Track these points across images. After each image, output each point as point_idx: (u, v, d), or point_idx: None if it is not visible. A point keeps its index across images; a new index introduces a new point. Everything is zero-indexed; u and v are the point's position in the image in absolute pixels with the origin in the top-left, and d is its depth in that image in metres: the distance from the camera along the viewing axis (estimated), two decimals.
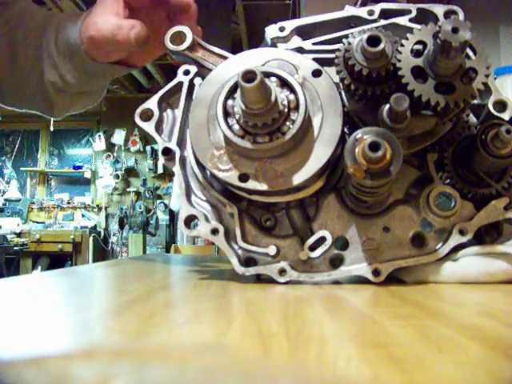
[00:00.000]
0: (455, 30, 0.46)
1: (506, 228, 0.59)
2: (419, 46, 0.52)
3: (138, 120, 0.62)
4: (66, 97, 0.85)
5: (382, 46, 0.51)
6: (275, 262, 0.56)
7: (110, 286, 0.66)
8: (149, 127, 0.62)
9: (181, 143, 0.61)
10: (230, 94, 0.53)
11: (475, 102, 0.59)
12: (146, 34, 0.70)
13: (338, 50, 0.55)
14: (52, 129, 5.94)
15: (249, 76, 0.46)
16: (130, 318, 0.36)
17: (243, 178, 0.54)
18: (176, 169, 0.60)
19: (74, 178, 6.48)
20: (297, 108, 0.52)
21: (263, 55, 0.58)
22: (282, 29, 0.62)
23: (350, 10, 0.62)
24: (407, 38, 0.52)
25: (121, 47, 0.72)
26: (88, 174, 6.34)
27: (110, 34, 0.71)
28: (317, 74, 0.56)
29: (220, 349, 0.27)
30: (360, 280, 0.56)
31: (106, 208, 6.23)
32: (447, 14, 0.58)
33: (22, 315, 0.37)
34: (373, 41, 0.51)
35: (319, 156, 0.53)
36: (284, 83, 0.53)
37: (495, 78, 1.38)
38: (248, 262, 0.57)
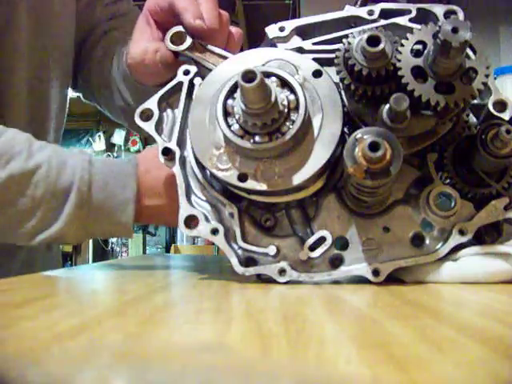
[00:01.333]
0: (455, 30, 0.46)
1: (506, 228, 0.58)
2: (419, 46, 0.52)
3: (137, 120, 0.62)
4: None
5: (381, 45, 0.51)
6: (275, 262, 0.56)
7: (109, 285, 0.66)
8: (149, 127, 0.62)
9: (181, 143, 0.61)
10: (230, 93, 0.53)
11: (475, 102, 0.59)
12: (170, 55, 0.70)
13: (338, 50, 0.55)
14: None
15: (249, 76, 0.46)
16: (130, 318, 0.36)
17: (242, 177, 0.54)
18: (176, 169, 0.60)
19: None
20: (297, 108, 0.52)
21: (263, 55, 0.58)
22: (282, 29, 0.62)
23: (350, 10, 0.62)
24: (407, 38, 0.52)
25: (152, 70, 0.73)
26: None
27: (140, 58, 0.73)
28: (317, 74, 0.56)
29: (220, 349, 0.27)
30: (360, 280, 0.56)
31: None
32: (447, 14, 0.58)
33: (22, 315, 0.37)
34: (373, 41, 0.51)
35: (319, 156, 0.53)
36: (284, 83, 0.53)
37: (495, 78, 1.38)
38: (248, 261, 0.57)
